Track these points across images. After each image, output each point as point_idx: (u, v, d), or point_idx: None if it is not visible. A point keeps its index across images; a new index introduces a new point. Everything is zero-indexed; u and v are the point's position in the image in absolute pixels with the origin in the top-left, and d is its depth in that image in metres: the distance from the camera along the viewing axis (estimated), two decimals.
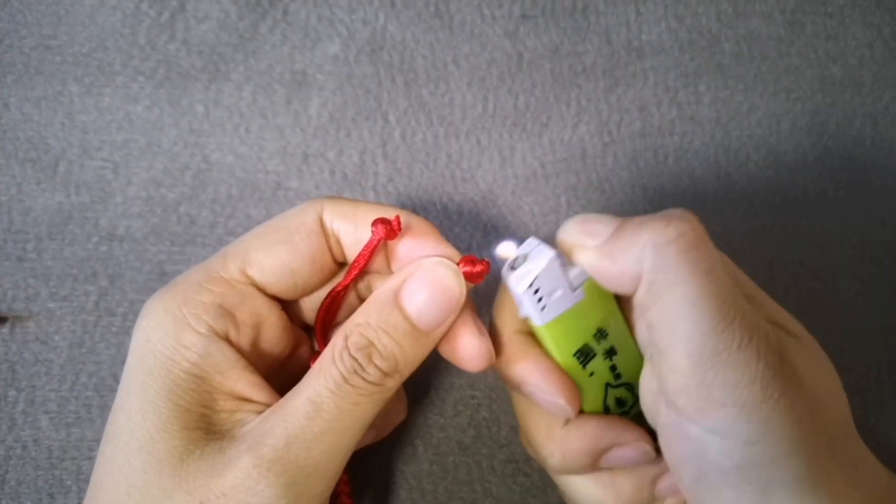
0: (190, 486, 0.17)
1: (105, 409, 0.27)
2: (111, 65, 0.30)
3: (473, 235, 0.29)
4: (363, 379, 0.18)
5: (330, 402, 0.18)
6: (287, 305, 0.22)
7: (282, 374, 0.21)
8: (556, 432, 0.20)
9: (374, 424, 0.23)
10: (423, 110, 0.30)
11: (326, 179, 0.29)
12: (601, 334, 0.20)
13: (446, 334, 0.20)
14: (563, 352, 0.20)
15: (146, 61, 0.30)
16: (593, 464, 0.20)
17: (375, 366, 0.18)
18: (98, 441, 0.26)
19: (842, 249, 0.30)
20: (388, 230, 0.19)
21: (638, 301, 0.17)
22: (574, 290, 0.19)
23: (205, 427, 0.18)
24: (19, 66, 0.29)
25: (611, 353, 0.20)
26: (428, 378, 0.28)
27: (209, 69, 0.30)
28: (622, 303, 0.20)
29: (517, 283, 0.19)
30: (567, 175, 0.30)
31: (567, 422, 0.20)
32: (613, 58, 0.31)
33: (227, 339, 0.19)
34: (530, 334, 0.21)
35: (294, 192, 0.29)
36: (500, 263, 0.20)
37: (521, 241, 0.20)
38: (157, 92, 0.30)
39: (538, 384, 0.19)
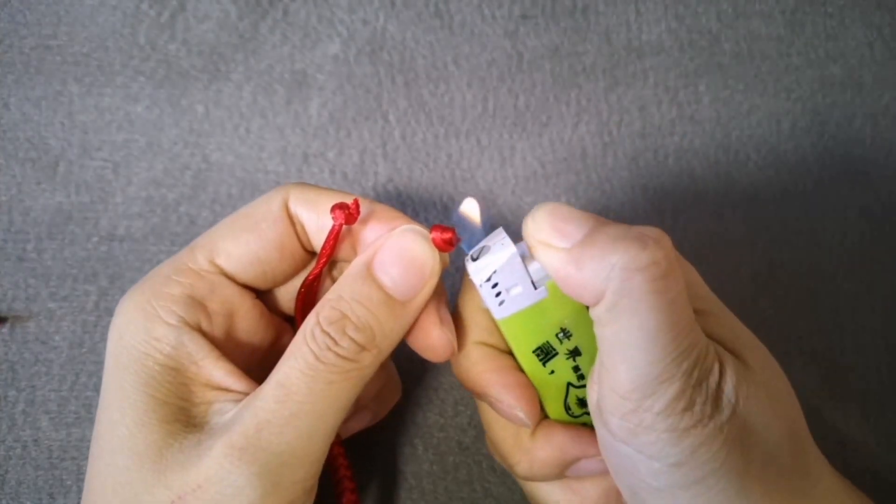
0: (168, 480, 0.17)
1: None
2: (111, 65, 0.30)
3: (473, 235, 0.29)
4: (336, 354, 0.17)
5: (300, 384, 0.17)
6: (265, 296, 0.22)
7: (265, 365, 0.21)
8: (524, 442, 0.20)
9: (367, 407, 0.23)
10: (423, 110, 0.30)
11: (326, 179, 0.29)
12: (564, 334, 0.19)
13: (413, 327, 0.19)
14: (520, 348, 0.19)
15: (146, 61, 0.30)
16: (560, 473, 0.20)
17: (350, 338, 0.18)
18: None
19: (842, 249, 0.30)
20: (347, 215, 0.19)
21: (595, 315, 0.17)
22: (536, 287, 0.18)
23: (183, 420, 0.18)
24: (19, 65, 0.29)
25: (574, 353, 0.20)
26: (428, 378, 0.28)
27: (209, 69, 0.30)
28: None
29: (476, 274, 0.18)
30: (567, 175, 0.30)
31: (534, 432, 0.20)
32: (613, 58, 0.31)
33: (200, 330, 0.19)
34: (493, 331, 0.20)
35: None
36: (463, 230, 0.19)
37: (487, 216, 0.19)
38: (158, 92, 0.30)
39: (498, 395, 0.19)
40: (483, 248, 0.18)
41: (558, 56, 0.31)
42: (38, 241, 0.28)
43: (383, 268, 0.18)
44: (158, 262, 0.28)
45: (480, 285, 0.18)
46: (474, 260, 0.18)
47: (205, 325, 0.19)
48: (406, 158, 0.30)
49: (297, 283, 0.22)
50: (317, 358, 0.17)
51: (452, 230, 0.19)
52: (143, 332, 0.18)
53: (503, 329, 0.19)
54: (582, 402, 0.20)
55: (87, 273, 0.28)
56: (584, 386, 0.20)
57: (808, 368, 0.29)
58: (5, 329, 0.27)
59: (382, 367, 0.21)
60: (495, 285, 0.18)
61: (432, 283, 0.19)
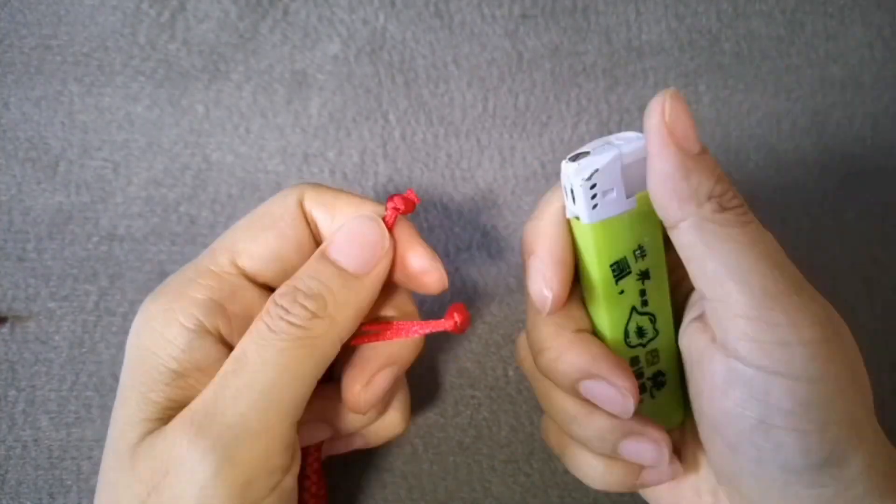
0: (141, 473, 0.17)
1: (105, 408, 0.27)
2: (111, 65, 0.30)
3: (473, 235, 0.29)
4: (287, 322, 0.18)
5: (253, 354, 0.17)
6: None
7: None
8: (566, 334, 0.19)
9: (361, 433, 0.22)
10: (423, 110, 0.30)
11: (327, 179, 0.29)
12: (641, 252, 0.19)
13: (398, 263, 0.20)
14: (601, 259, 0.19)
15: (146, 61, 0.30)
16: (574, 384, 0.19)
17: (301, 305, 0.18)
18: (98, 441, 0.26)
19: (842, 249, 0.30)
20: (407, 201, 0.20)
21: (687, 239, 0.17)
22: (628, 197, 0.18)
23: (166, 418, 0.18)
24: (19, 65, 0.29)
25: (644, 275, 0.19)
26: (428, 378, 0.28)
27: (209, 69, 0.30)
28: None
29: (577, 173, 0.17)
30: None
31: (580, 331, 0.20)
32: (613, 57, 0.31)
33: (218, 335, 0.19)
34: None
35: None
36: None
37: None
38: (158, 92, 0.30)
39: (604, 375, 0.18)
40: (579, 153, 0.18)
41: (558, 56, 0.31)
42: (39, 241, 0.28)
43: (334, 247, 0.19)
44: (159, 261, 0.28)
45: (580, 184, 0.17)
46: (573, 161, 0.18)
47: (224, 329, 0.19)
48: (406, 158, 0.30)
49: None
50: (268, 328, 0.18)
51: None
52: (158, 333, 0.18)
53: (588, 237, 0.19)
54: (640, 332, 0.20)
55: (88, 273, 0.28)
56: (645, 314, 0.20)
57: None
58: (5, 329, 0.27)
59: (391, 390, 0.21)
60: (593, 186, 0.18)
61: (386, 259, 0.20)
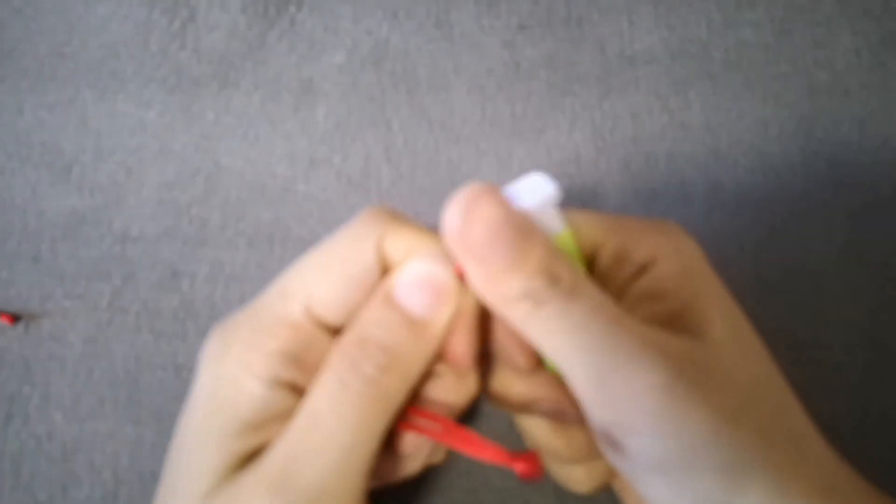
0: None
1: (117, 403, 0.27)
2: (123, 72, 0.31)
3: None
4: (360, 377, 0.17)
5: (327, 410, 0.17)
6: None
7: None
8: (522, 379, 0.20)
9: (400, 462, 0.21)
10: (424, 117, 0.31)
11: (332, 183, 0.30)
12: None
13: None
14: (580, 260, 0.19)
15: (158, 69, 0.31)
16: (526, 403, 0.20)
17: (372, 358, 0.17)
18: (110, 434, 0.27)
19: (828, 250, 0.31)
20: (531, 469, 0.18)
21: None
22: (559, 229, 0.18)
23: (240, 465, 0.18)
24: (33, 72, 0.30)
25: None
26: None
27: (219, 77, 0.31)
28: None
29: (541, 193, 0.17)
30: (562, 179, 0.31)
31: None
32: (607, 66, 0.32)
33: (293, 386, 0.18)
34: None
35: (302, 194, 0.30)
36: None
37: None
38: (169, 98, 0.30)
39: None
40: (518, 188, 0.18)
41: (554, 65, 0.32)
42: (53, 242, 0.29)
43: (401, 292, 0.18)
44: (171, 262, 0.29)
45: (550, 203, 0.18)
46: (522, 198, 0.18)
47: (300, 382, 0.18)
48: (408, 163, 0.30)
49: None
50: (341, 382, 0.17)
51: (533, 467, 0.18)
52: (237, 383, 0.18)
53: (569, 241, 0.19)
54: None
55: (101, 273, 0.29)
56: None
57: (794, 366, 0.29)
58: (20, 327, 0.28)
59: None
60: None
61: (452, 302, 0.18)
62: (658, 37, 0.32)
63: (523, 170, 0.30)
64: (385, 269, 0.19)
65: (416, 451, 0.20)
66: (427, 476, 0.27)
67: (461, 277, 0.18)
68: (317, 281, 0.19)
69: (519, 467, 0.18)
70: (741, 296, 0.30)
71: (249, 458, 0.18)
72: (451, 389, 0.20)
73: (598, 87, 0.31)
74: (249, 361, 0.18)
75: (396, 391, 0.18)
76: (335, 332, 0.19)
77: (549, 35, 0.32)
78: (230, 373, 0.18)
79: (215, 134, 0.30)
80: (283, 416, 0.18)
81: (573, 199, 0.30)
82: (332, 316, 0.19)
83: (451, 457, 0.27)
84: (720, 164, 0.31)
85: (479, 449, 0.18)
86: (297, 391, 0.18)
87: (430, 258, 0.18)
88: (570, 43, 0.32)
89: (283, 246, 0.29)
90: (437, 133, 0.31)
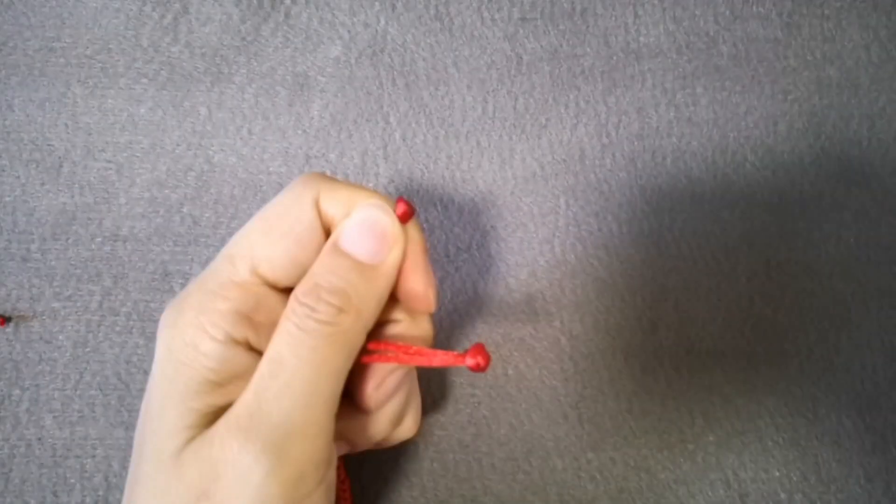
0: (189, 481, 0.17)
1: (108, 407, 0.27)
2: (114, 67, 0.30)
3: (473, 235, 0.29)
4: (316, 320, 0.18)
5: (288, 354, 0.18)
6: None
7: None
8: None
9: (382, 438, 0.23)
10: (423, 112, 0.30)
11: None
12: None
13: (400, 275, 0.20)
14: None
15: (149, 63, 0.30)
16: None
17: (325, 302, 0.18)
18: (101, 439, 0.27)
19: (838, 250, 0.30)
20: (403, 212, 0.20)
21: None
22: None
23: (207, 424, 0.18)
24: (23, 67, 0.30)
25: None
26: (428, 376, 0.28)
27: (212, 71, 0.30)
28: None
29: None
30: (566, 176, 0.30)
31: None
32: (612, 60, 0.31)
33: (247, 344, 0.19)
34: None
35: None
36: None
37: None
38: (161, 94, 0.30)
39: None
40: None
41: (557, 58, 0.31)
42: (42, 242, 0.28)
43: (349, 240, 0.19)
44: (162, 262, 0.28)
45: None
46: None
47: (252, 340, 0.19)
48: (407, 160, 0.30)
49: None
50: (298, 328, 0.18)
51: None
52: (191, 346, 0.18)
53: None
54: None
55: (91, 273, 0.28)
56: None
57: (803, 367, 0.29)
58: (10, 329, 0.27)
59: (405, 389, 0.22)
60: None
61: (397, 243, 0.20)
62: (664, 30, 0.32)
63: (525, 166, 0.30)
64: (327, 229, 0.20)
65: (381, 394, 0.21)
66: (425, 482, 0.27)
67: (403, 220, 0.20)
68: (260, 242, 0.20)
69: (470, 361, 0.20)
70: (750, 297, 0.29)
71: (216, 415, 0.18)
72: (408, 333, 0.21)
73: (602, 81, 0.31)
74: (202, 323, 0.18)
75: (354, 331, 0.19)
76: (286, 292, 0.20)
77: (552, 27, 0.31)
78: (185, 336, 0.19)
79: (208, 130, 0.30)
80: (243, 375, 0.19)
81: (577, 198, 0.30)
82: (278, 275, 0.20)
83: (451, 463, 0.27)
84: (728, 161, 0.31)
85: (433, 358, 0.20)
86: (254, 351, 0.19)
87: (371, 206, 0.20)
88: (573, 35, 0.31)
89: None
90: (437, 128, 0.30)
